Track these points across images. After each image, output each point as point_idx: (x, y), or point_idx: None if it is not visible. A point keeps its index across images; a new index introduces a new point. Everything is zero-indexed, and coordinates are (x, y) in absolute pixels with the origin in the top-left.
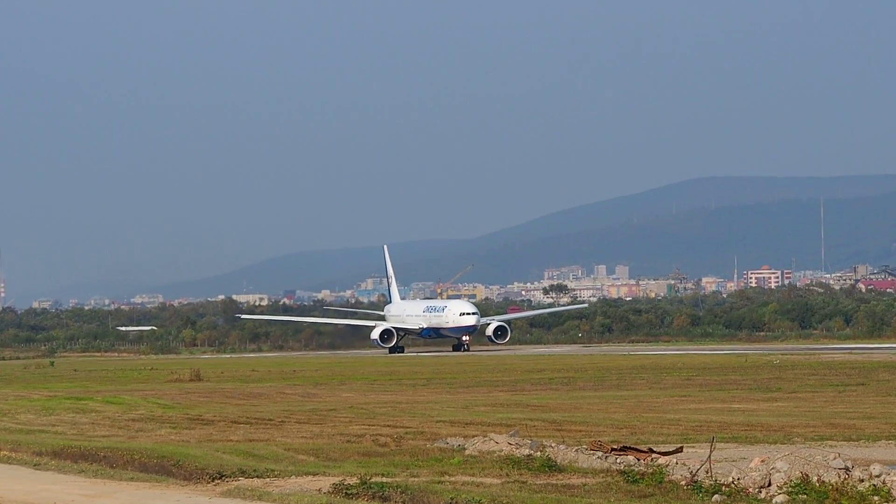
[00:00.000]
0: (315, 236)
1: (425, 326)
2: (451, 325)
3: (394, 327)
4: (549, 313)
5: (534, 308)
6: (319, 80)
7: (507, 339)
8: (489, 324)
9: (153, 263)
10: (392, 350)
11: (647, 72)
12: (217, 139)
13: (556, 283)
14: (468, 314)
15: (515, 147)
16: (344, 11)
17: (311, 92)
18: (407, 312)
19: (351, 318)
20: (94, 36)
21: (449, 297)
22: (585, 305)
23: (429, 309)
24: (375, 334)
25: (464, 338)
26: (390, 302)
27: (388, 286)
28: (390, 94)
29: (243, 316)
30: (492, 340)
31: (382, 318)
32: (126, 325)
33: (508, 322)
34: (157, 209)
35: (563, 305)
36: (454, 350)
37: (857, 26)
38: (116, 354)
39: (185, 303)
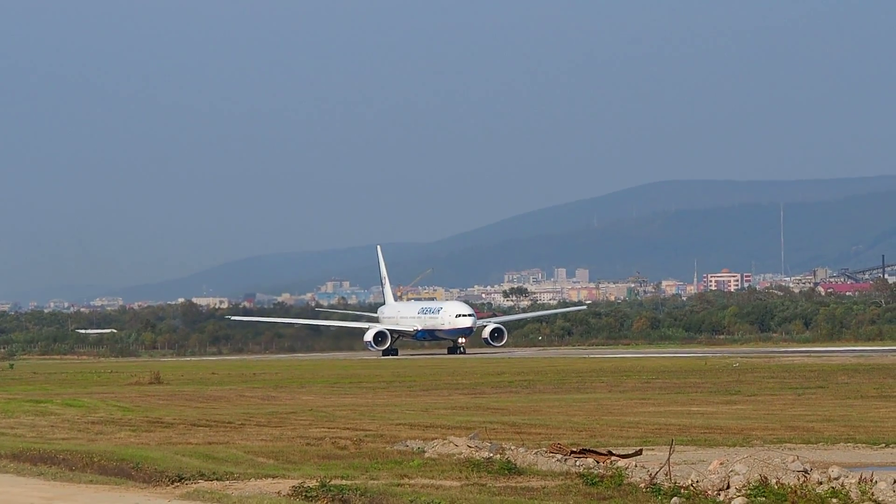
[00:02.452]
0: (275, 239)
1: (420, 328)
2: (446, 326)
3: (388, 329)
4: (549, 315)
5: (498, 312)
6: (279, 83)
7: (504, 341)
8: (485, 326)
9: (113, 267)
10: (386, 353)
11: (608, 76)
12: (177, 141)
13: (516, 286)
14: (464, 316)
15: (476, 151)
16: (302, 10)
17: (270, 95)
18: (401, 314)
19: (344, 321)
20: (51, 22)
21: (409, 300)
22: (584, 307)
23: (424, 310)
24: (369, 336)
25: (460, 340)
26: (384, 303)
27: (382, 287)
28: (350, 98)
29: (233, 318)
30: (488, 343)
31: (376, 320)
32: (86, 328)
33: (505, 324)
34: (117, 212)
35: (557, 308)
36: (449, 353)
37: (817, 33)
38: (76, 357)
39: (145, 306)
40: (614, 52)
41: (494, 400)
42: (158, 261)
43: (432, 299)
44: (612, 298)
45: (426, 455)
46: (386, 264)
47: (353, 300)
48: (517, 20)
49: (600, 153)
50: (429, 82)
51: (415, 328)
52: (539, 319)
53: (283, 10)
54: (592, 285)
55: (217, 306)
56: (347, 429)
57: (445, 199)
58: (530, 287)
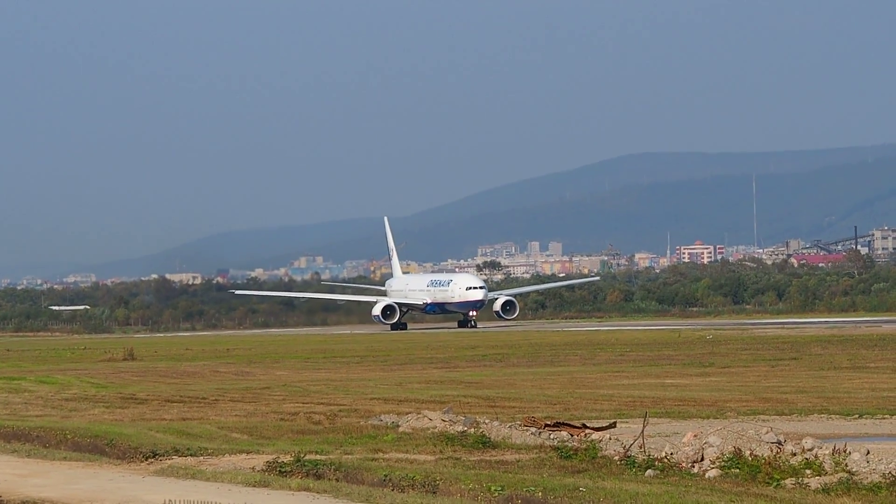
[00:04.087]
0: (248, 215)
1: (429, 301)
2: (456, 299)
3: (396, 303)
4: (562, 286)
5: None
6: (252, 55)
7: (516, 314)
8: (496, 298)
9: (86, 243)
10: (395, 327)
11: (579, 48)
12: (149, 115)
13: (489, 259)
14: (475, 288)
15: (448, 124)
16: None
17: (244, 68)
18: (410, 287)
19: (350, 294)
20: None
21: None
22: (598, 278)
23: (433, 283)
24: (377, 310)
25: (471, 313)
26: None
27: (390, 259)
28: (321, 71)
29: (237, 292)
30: (499, 316)
31: (383, 294)
32: (59, 305)
33: (517, 296)
34: (88, 188)
35: (574, 278)
36: (460, 326)
37: (787, 4)
38: (49, 334)
39: (118, 282)
40: (584, 27)
41: (468, 374)
42: (131, 237)
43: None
44: (586, 271)
45: (400, 429)
46: (394, 236)
47: (326, 275)
48: None
49: (572, 127)
50: (401, 56)
51: (424, 301)
52: (549, 291)
53: None
54: (566, 258)
55: (190, 282)
56: (321, 404)
57: (418, 174)
58: (503, 261)
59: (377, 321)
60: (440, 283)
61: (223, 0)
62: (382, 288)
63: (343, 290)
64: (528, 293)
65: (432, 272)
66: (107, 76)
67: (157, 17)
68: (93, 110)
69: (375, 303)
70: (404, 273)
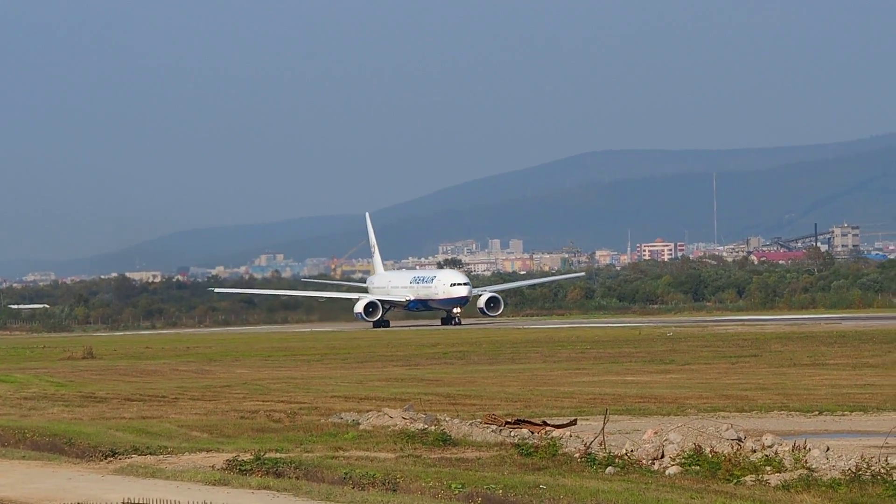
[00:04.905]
0: (208, 213)
1: (412, 298)
2: (440, 296)
3: (379, 300)
4: (547, 282)
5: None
6: (217, 52)
7: (500, 311)
8: (480, 295)
9: (45, 241)
10: (377, 324)
11: (540, 46)
12: (109, 113)
13: (450, 257)
14: (460, 284)
15: (409, 122)
16: None
17: (204, 65)
18: (392, 284)
19: (331, 290)
20: None
21: (342, 275)
22: (583, 274)
23: (416, 280)
24: (359, 307)
25: (454, 310)
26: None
27: (372, 256)
28: (284, 67)
29: (217, 290)
30: (483, 312)
31: (365, 291)
32: (18, 304)
33: (501, 293)
34: (47, 186)
35: (562, 274)
36: (443, 323)
37: (747, 1)
38: (9, 332)
39: (78, 280)
40: (545, 25)
41: (429, 371)
42: (91, 235)
43: (366, 272)
44: (547, 268)
45: (361, 427)
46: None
47: (287, 273)
48: None
49: (534, 124)
50: (362, 53)
51: (407, 298)
52: (534, 287)
53: None
54: (527, 256)
55: (150, 280)
56: (282, 402)
57: (378, 171)
58: (465, 258)
59: (359, 318)
60: (423, 280)
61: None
62: (364, 285)
63: (325, 288)
64: (513, 290)
65: (398, 269)
66: (60, 65)
67: (108, 5)
68: (53, 107)
69: (357, 300)
70: (373, 273)
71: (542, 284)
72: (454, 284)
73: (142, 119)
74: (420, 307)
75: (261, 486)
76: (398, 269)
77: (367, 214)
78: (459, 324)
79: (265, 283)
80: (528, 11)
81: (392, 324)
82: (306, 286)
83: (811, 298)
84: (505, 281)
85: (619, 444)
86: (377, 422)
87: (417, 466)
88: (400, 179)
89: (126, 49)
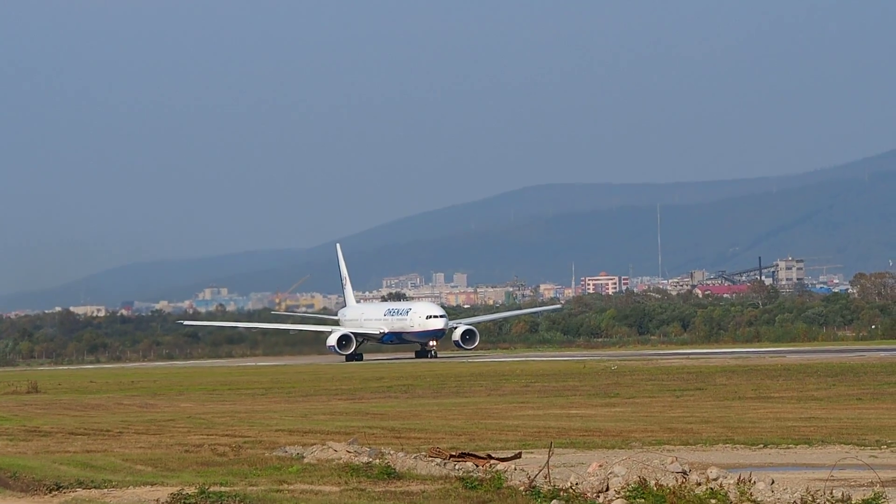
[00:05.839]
0: (151, 247)
1: (387, 331)
2: (416, 329)
3: (352, 332)
4: (522, 314)
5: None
6: (157, 84)
7: (476, 343)
8: (456, 328)
9: None
10: (350, 357)
11: (481, 80)
12: (54, 144)
13: (394, 291)
14: (436, 317)
15: (352, 156)
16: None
17: (144, 96)
18: (366, 316)
19: (301, 324)
20: None
21: (288, 308)
22: (559, 306)
23: (391, 312)
24: (332, 340)
25: (430, 343)
26: (345, 305)
27: (343, 288)
28: (224, 100)
29: (186, 322)
30: (459, 346)
31: (336, 324)
32: None
33: (477, 325)
34: None
35: (539, 307)
36: (418, 356)
37: (690, 34)
38: None
39: (22, 314)
40: (485, 59)
41: (374, 405)
42: (35, 269)
43: (311, 306)
44: (491, 302)
45: (305, 460)
46: (346, 264)
47: (231, 307)
48: (391, 27)
49: (476, 158)
50: (301, 87)
51: (381, 331)
52: (507, 320)
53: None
54: (471, 290)
55: (94, 314)
56: (226, 435)
57: (320, 205)
58: (409, 292)
59: (332, 351)
60: (398, 312)
61: (116, 12)
62: (335, 318)
63: (303, 321)
64: (488, 322)
65: (389, 300)
66: (4, 108)
67: (44, 30)
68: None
69: (330, 332)
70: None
71: (517, 317)
72: (430, 317)
73: (83, 152)
74: (395, 340)
75: None
76: (341, 304)
77: (337, 245)
78: (435, 356)
79: (210, 317)
80: (468, 46)
81: (366, 357)
82: (277, 319)
83: (756, 332)
84: (481, 313)
85: (563, 477)
86: (322, 455)
87: (362, 500)
88: (343, 214)
89: (66, 83)
